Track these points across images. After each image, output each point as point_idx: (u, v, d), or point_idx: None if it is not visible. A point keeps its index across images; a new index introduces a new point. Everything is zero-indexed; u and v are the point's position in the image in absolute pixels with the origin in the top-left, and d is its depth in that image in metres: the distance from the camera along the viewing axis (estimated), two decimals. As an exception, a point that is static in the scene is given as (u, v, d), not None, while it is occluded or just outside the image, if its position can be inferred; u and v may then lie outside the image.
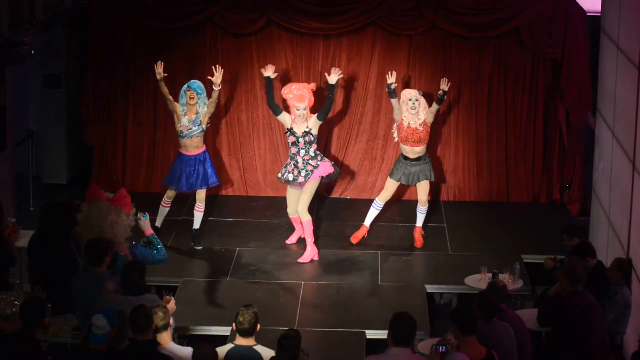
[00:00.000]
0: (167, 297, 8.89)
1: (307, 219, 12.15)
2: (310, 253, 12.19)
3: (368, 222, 12.70)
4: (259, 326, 8.03)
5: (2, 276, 10.18)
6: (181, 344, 8.62)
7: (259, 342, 8.07)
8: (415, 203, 13.64)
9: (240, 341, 8.02)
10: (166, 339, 8.03)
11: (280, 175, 12.21)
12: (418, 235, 12.64)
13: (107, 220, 9.48)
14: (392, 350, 7.56)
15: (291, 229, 12.75)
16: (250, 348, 7.99)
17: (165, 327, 8.01)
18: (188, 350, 8.10)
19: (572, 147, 13.76)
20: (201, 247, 12.48)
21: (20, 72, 13.40)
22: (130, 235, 9.67)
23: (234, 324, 8.02)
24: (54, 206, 10.04)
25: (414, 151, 12.36)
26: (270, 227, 13.16)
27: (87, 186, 10.18)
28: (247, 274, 11.83)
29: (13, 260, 10.24)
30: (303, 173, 12.02)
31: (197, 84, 12.19)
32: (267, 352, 7.99)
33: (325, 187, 13.74)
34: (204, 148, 12.32)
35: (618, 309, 9.81)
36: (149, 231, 9.67)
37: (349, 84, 13.91)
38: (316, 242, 12.35)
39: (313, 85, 12.30)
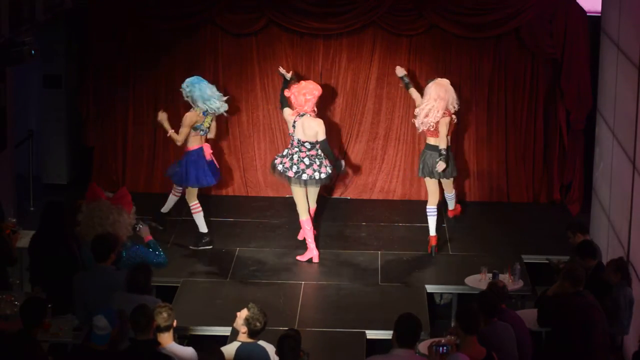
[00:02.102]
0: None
1: (300, 218, 12.21)
2: (308, 253, 12.21)
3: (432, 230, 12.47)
4: None
5: (1, 276, 10.19)
6: (181, 344, 8.62)
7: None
8: (415, 203, 13.76)
9: (244, 338, 8.07)
10: (167, 339, 8.04)
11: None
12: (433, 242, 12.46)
13: (109, 219, 9.49)
14: (395, 351, 7.56)
15: (292, 229, 12.80)
16: (255, 344, 8.10)
17: (168, 327, 8.03)
18: (189, 351, 8.12)
19: (572, 147, 13.76)
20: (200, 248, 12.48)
21: (20, 72, 13.40)
22: (131, 233, 9.70)
23: (242, 325, 8.04)
24: (54, 206, 10.06)
25: None
26: (270, 227, 13.16)
27: (88, 186, 10.19)
28: (247, 274, 11.83)
29: (12, 260, 10.25)
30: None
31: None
32: (269, 347, 8.12)
33: (326, 187, 13.73)
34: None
35: (626, 311, 9.75)
36: (148, 237, 9.72)
37: (349, 84, 13.92)
38: (316, 243, 12.36)
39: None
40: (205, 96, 12.03)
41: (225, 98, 12.23)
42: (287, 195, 13.96)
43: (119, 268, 9.12)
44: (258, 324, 8.04)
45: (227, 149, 14.12)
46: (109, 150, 14.19)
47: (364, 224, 13.32)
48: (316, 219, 13.08)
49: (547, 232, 12.80)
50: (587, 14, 13.45)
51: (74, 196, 12.56)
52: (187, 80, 12.21)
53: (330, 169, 12.13)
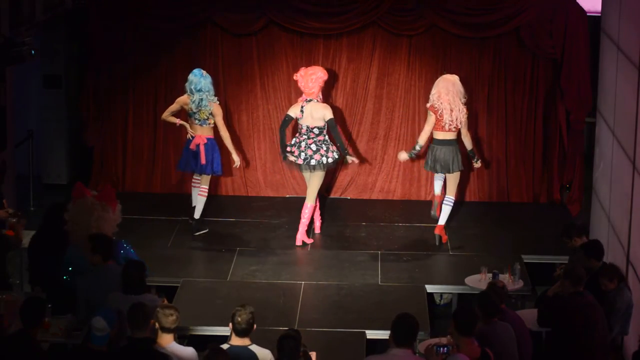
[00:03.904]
0: (159, 299, 8.99)
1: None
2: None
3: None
4: (254, 326, 8.06)
5: (1, 276, 10.21)
6: (181, 343, 8.62)
7: (254, 341, 8.11)
8: (415, 203, 13.77)
9: (236, 341, 8.04)
10: (169, 339, 8.04)
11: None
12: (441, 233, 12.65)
13: (93, 214, 9.53)
14: (393, 350, 7.57)
15: (292, 229, 12.83)
16: (245, 348, 8.02)
17: (172, 329, 8.04)
18: (189, 351, 8.12)
19: (572, 147, 13.76)
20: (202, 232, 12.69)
21: (20, 72, 13.41)
22: (116, 230, 9.71)
23: (230, 324, 8.05)
24: (56, 207, 10.06)
25: None
26: (270, 227, 13.16)
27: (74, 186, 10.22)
28: (247, 274, 11.83)
29: (9, 245, 10.35)
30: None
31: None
32: (261, 352, 8.04)
33: (325, 187, 13.74)
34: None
35: (622, 315, 9.73)
36: None
37: (349, 84, 13.92)
38: (320, 237, 12.71)
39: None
40: (192, 87, 12.27)
41: (214, 100, 12.35)
42: (287, 195, 14.02)
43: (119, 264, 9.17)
44: (239, 319, 7.96)
45: (227, 148, 14.10)
46: (109, 150, 14.19)
47: (364, 224, 13.32)
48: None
49: (547, 232, 12.79)
50: (587, 14, 13.46)
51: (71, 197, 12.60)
52: (194, 71, 12.42)
53: (337, 154, 12.45)
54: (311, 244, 12.61)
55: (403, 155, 12.51)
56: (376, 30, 13.82)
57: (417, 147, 12.38)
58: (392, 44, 13.86)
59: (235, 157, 12.51)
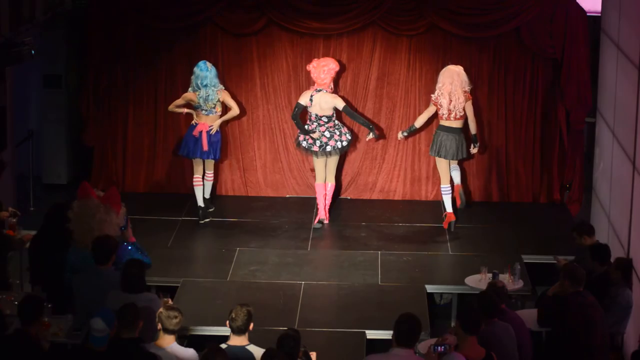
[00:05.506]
0: (165, 299, 8.96)
1: (316, 182, 13.16)
2: (318, 215, 13.08)
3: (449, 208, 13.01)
4: (251, 325, 8.08)
5: (1, 276, 10.21)
6: (181, 344, 8.62)
7: (254, 341, 8.12)
8: (415, 203, 13.78)
9: (233, 341, 8.05)
10: (170, 340, 8.05)
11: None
12: (456, 194, 13.03)
13: (95, 217, 9.49)
14: (394, 350, 7.57)
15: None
16: (242, 348, 8.03)
17: (175, 331, 8.04)
18: (189, 352, 8.11)
19: (572, 147, 13.76)
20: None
21: (20, 72, 13.40)
22: (119, 233, 9.69)
23: (227, 322, 8.06)
24: (58, 207, 10.05)
25: None
26: (270, 227, 13.16)
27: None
28: (247, 274, 11.83)
29: (11, 245, 10.36)
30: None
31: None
32: (259, 352, 8.01)
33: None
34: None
35: (620, 311, 9.75)
36: (132, 239, 9.75)
37: (349, 84, 13.92)
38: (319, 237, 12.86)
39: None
40: (199, 82, 12.73)
41: (220, 88, 12.87)
42: (287, 195, 14.01)
43: (118, 269, 9.14)
44: (239, 322, 7.99)
45: (227, 149, 14.12)
46: (109, 150, 14.18)
47: (364, 224, 13.32)
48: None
49: (547, 232, 12.79)
50: (587, 14, 13.46)
51: (74, 196, 12.58)
52: (200, 64, 12.87)
53: (350, 135, 13.05)
54: (311, 244, 12.61)
55: (399, 135, 13.19)
56: (376, 30, 13.82)
57: (412, 128, 13.08)
58: (392, 44, 13.85)
59: (217, 125, 12.83)
